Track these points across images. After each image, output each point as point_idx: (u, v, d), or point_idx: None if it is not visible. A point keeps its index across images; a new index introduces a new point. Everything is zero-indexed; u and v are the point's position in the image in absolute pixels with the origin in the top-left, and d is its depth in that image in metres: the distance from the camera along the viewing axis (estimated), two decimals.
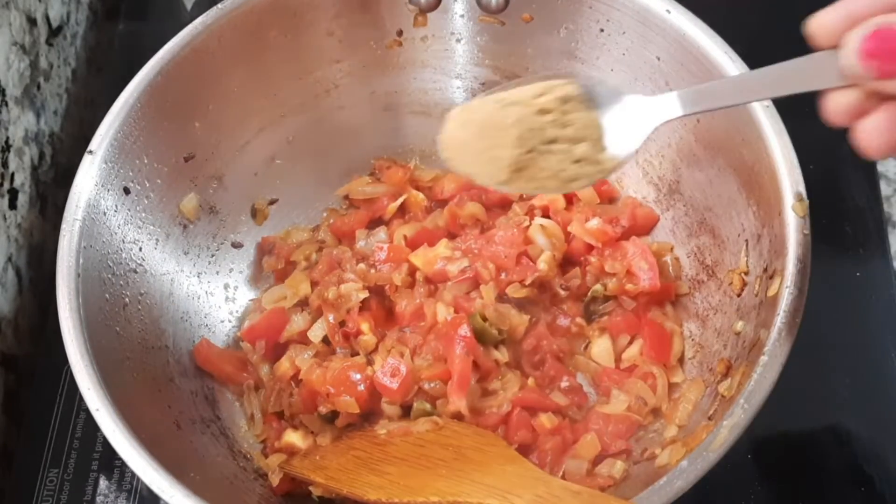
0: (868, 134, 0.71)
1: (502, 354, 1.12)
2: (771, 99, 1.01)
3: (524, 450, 1.07)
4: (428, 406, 1.09)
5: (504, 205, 1.28)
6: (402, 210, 1.29)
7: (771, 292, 0.97)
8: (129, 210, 1.12)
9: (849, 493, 1.15)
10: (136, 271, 1.12)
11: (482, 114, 0.89)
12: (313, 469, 1.06)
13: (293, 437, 1.11)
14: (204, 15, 1.16)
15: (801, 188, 1.00)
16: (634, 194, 1.27)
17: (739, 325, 1.05)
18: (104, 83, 1.59)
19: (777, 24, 1.51)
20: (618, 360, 1.16)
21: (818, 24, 0.71)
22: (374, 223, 1.29)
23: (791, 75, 0.76)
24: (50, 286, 1.01)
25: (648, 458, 1.05)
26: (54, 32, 1.46)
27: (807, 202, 0.99)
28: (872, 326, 1.25)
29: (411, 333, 1.14)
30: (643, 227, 1.24)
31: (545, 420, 1.09)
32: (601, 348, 1.16)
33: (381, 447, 1.06)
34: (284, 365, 1.16)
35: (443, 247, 1.18)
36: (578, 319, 1.18)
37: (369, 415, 1.12)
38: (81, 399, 0.98)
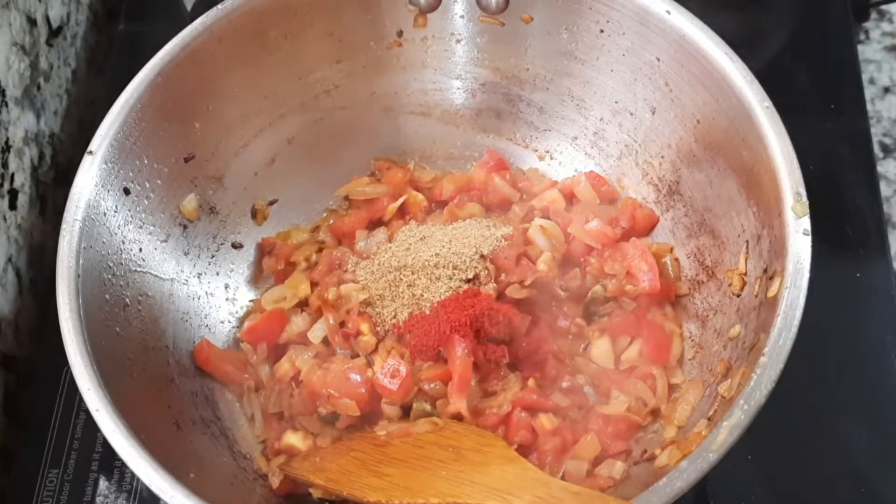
0: None
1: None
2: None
3: (524, 450, 1.07)
4: (428, 406, 1.09)
5: (504, 206, 1.28)
6: (402, 211, 1.29)
7: (771, 293, 0.97)
8: (129, 210, 1.12)
9: (848, 494, 1.15)
10: (136, 272, 1.12)
11: None
12: (313, 471, 1.06)
13: (293, 439, 1.11)
14: (204, 16, 1.16)
15: (801, 189, 1.00)
16: (634, 195, 1.26)
17: (735, 330, 1.05)
18: (104, 84, 1.59)
19: (776, 24, 1.52)
20: (617, 361, 1.16)
21: None
22: (374, 224, 1.29)
23: None
24: (50, 287, 1.01)
25: (648, 459, 1.05)
26: (54, 33, 1.46)
27: (807, 203, 0.99)
28: (872, 327, 1.25)
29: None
30: (643, 228, 1.24)
31: (545, 421, 1.09)
32: (601, 349, 1.16)
33: (380, 448, 1.06)
34: (285, 366, 1.16)
35: None
36: (578, 320, 1.18)
37: (369, 415, 1.12)
38: (81, 399, 0.98)
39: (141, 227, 1.14)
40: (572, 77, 1.26)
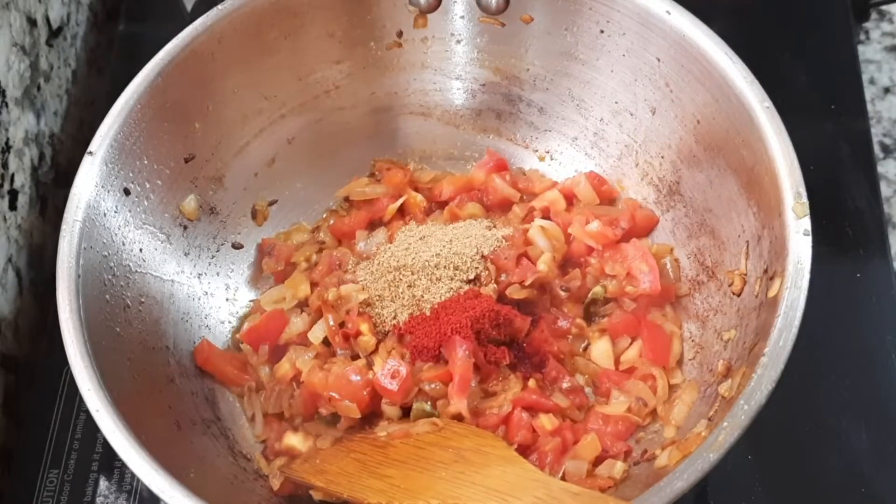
0: None
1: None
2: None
3: (524, 450, 1.07)
4: (428, 406, 1.09)
5: (504, 206, 1.28)
6: (402, 211, 1.29)
7: (771, 293, 0.97)
8: (129, 211, 1.12)
9: (848, 494, 1.15)
10: (136, 272, 1.12)
11: None
12: (314, 473, 1.06)
13: (293, 440, 1.11)
14: (204, 16, 1.16)
15: (802, 189, 1.00)
16: (634, 195, 1.26)
17: (731, 333, 1.05)
18: (104, 84, 1.59)
19: (776, 25, 1.52)
20: (617, 361, 1.16)
21: None
22: (374, 224, 1.29)
23: None
24: (50, 287, 1.01)
25: (648, 459, 1.05)
26: (54, 33, 1.46)
27: (807, 203, 0.99)
28: (872, 327, 1.25)
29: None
30: (643, 228, 1.24)
31: (545, 421, 1.09)
32: (600, 350, 1.16)
33: (381, 450, 1.06)
34: (285, 366, 1.15)
35: None
36: (578, 321, 1.18)
37: (370, 416, 1.12)
38: (81, 400, 0.98)
39: (141, 228, 1.14)
40: (572, 77, 1.27)
